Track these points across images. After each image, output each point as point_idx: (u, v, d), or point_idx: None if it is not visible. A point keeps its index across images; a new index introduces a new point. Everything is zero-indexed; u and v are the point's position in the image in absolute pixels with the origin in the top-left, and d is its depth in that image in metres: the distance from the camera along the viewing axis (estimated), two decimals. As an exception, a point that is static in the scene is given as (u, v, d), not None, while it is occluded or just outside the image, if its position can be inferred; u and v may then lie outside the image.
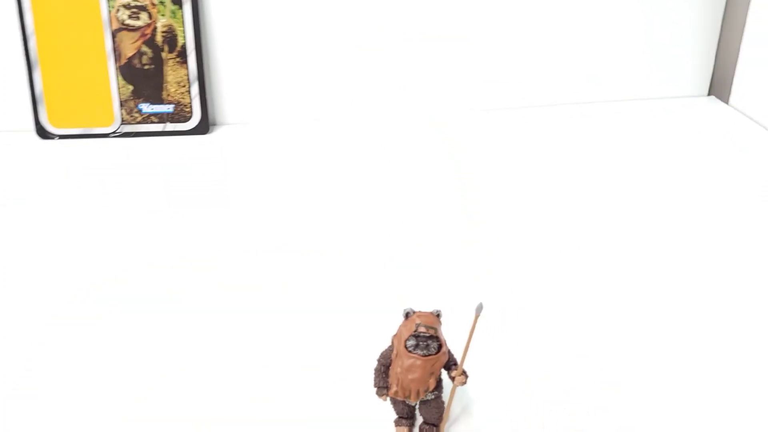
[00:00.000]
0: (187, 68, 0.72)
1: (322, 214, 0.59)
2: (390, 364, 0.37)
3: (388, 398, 0.37)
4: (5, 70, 0.72)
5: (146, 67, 0.72)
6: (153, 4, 0.70)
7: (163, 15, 0.71)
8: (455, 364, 0.37)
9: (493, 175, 0.65)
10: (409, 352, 0.36)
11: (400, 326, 0.37)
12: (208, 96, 0.74)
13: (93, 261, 0.54)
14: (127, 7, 0.70)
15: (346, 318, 0.47)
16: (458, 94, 0.78)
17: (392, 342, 0.38)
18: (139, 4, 0.70)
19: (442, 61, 0.76)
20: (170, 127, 0.74)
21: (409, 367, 0.36)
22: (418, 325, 0.36)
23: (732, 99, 0.79)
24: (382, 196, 0.62)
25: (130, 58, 0.71)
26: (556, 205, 0.60)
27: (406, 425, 0.38)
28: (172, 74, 0.72)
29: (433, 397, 0.37)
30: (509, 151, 0.70)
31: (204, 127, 0.74)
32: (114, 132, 0.73)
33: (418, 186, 0.64)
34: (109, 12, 0.70)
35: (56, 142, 0.73)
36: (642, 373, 0.42)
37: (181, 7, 0.70)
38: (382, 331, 0.39)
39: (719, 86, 0.83)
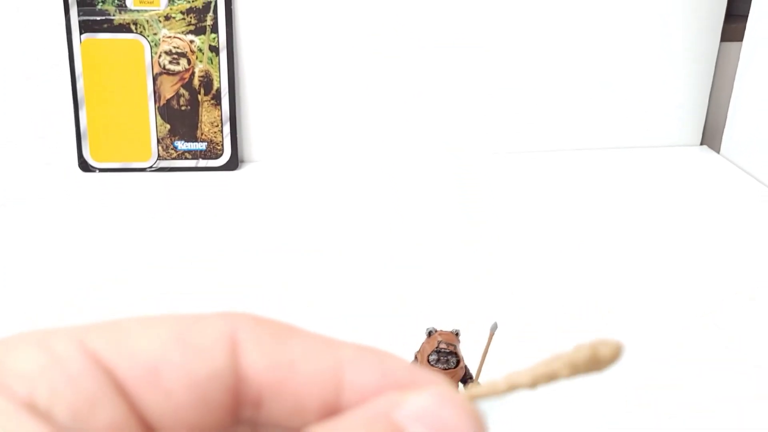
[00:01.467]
0: (220, 110, 0.78)
1: (328, 224, 0.65)
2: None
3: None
4: (54, 108, 0.79)
5: (183, 108, 0.78)
6: (192, 51, 0.77)
7: (201, 61, 0.77)
8: (471, 377, 0.42)
9: (494, 197, 0.71)
10: (431, 365, 0.41)
11: (423, 343, 0.42)
12: (238, 135, 0.81)
13: (111, 268, 0.59)
14: (168, 53, 0.76)
15: (346, 319, 0.52)
16: (464, 134, 0.84)
17: (416, 357, 0.43)
18: (179, 51, 0.77)
19: (459, 104, 0.83)
20: (202, 163, 0.80)
21: (431, 378, 0.41)
22: (439, 342, 0.41)
23: (723, 149, 0.85)
24: (385, 202, 0.68)
25: (168, 100, 0.78)
26: (554, 242, 0.66)
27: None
28: (206, 115, 0.78)
29: (451, 406, 0.42)
30: (507, 190, 0.76)
31: (234, 163, 0.80)
32: (151, 167, 0.79)
33: (420, 191, 0.69)
34: (152, 57, 0.77)
35: (97, 174, 0.79)
36: (646, 375, 0.47)
37: (217, 54, 0.77)
38: (382, 332, 0.44)
39: (711, 136, 0.89)
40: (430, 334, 0.42)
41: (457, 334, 0.42)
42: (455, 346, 0.41)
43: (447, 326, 0.43)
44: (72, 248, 0.64)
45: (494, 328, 0.40)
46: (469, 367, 0.43)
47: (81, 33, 0.76)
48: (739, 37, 0.83)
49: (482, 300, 0.57)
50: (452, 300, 0.57)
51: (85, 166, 0.79)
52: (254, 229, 0.68)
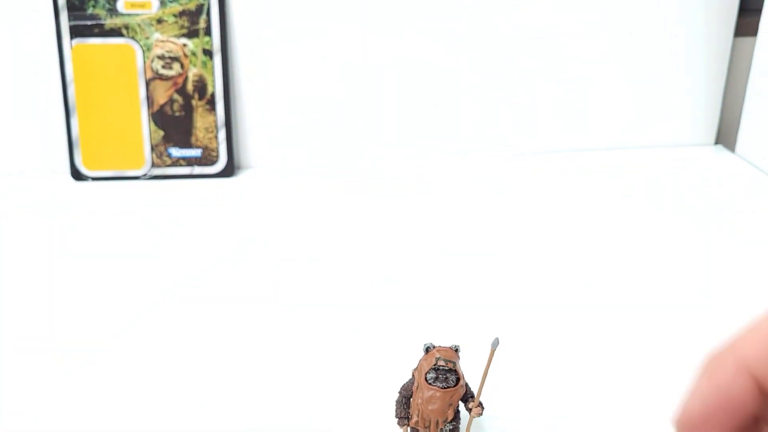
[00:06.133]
0: (215, 115, 0.76)
1: (328, 233, 0.62)
2: (411, 396, 0.39)
3: (409, 428, 0.40)
4: (45, 115, 0.77)
5: (177, 113, 0.76)
6: (185, 56, 0.74)
7: (194, 65, 0.75)
8: (472, 396, 0.39)
9: (505, 215, 0.68)
10: (429, 384, 0.38)
11: (421, 360, 0.39)
12: (234, 141, 0.78)
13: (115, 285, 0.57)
14: (161, 57, 0.74)
15: (341, 332, 0.50)
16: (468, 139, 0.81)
17: (413, 375, 0.40)
18: (172, 55, 0.74)
19: (461, 105, 0.80)
20: (198, 170, 0.77)
21: (429, 398, 0.38)
22: (437, 359, 0.38)
23: (738, 148, 0.82)
24: (384, 210, 0.65)
25: (162, 105, 0.76)
26: (565, 246, 0.63)
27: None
28: (201, 120, 0.76)
29: (451, 427, 0.39)
30: (516, 192, 0.73)
31: (230, 170, 0.77)
32: (144, 175, 0.77)
33: (421, 198, 0.67)
34: (144, 62, 0.74)
35: (89, 183, 0.76)
36: (664, 408, 0.44)
37: (211, 58, 0.75)
38: (377, 347, 0.42)
39: (726, 135, 0.86)
40: (427, 350, 0.39)
41: (456, 350, 0.39)
42: (455, 363, 0.39)
43: (446, 342, 0.40)
44: (64, 260, 0.62)
45: (495, 344, 0.37)
46: (469, 385, 0.40)
47: (72, 38, 0.73)
48: (753, 31, 0.79)
49: (484, 313, 0.54)
50: (452, 314, 0.54)
51: (77, 174, 0.77)
52: (251, 238, 0.65)
